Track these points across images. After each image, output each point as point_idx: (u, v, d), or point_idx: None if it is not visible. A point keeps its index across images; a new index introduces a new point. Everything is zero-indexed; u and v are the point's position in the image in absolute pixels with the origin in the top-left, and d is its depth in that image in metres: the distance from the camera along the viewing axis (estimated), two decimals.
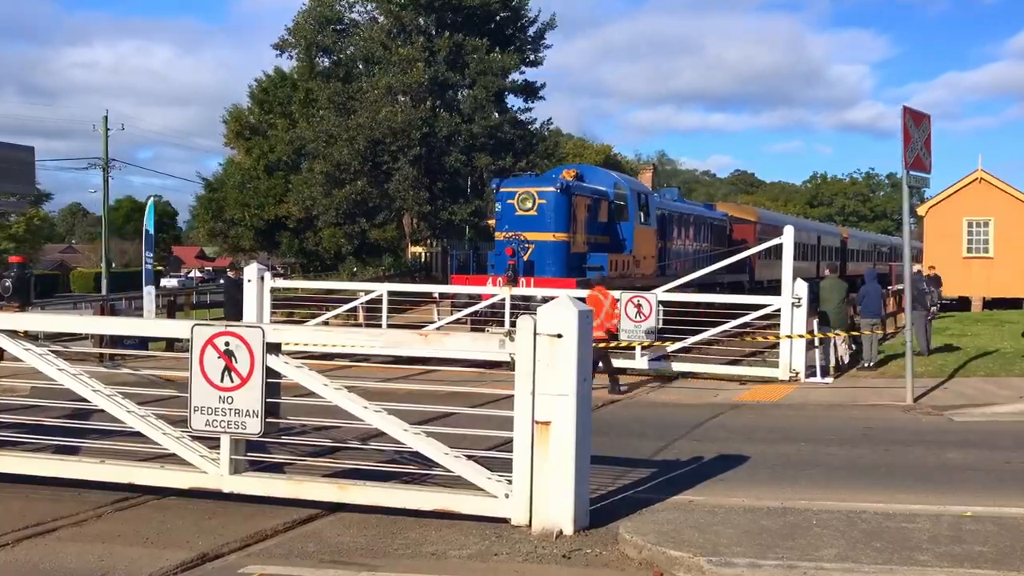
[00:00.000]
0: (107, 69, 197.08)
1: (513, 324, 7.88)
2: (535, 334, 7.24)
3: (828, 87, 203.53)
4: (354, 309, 22.05)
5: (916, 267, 21.61)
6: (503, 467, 7.46)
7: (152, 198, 25.73)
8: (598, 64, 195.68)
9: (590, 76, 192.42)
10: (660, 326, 17.35)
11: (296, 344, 11.11)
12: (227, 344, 7.73)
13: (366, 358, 17.99)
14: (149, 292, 21.96)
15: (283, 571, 6.61)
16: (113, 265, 65.74)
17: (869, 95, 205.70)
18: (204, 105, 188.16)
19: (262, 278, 19.02)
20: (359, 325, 21.00)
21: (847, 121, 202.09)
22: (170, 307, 27.25)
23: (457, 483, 7.66)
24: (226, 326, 7.93)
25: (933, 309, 19.67)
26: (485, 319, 19.54)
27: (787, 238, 17.38)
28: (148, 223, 22.42)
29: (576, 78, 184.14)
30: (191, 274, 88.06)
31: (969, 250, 35.68)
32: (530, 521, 7.31)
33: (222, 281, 28.35)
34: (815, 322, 17.39)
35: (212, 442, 8.00)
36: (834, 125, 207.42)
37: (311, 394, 8.00)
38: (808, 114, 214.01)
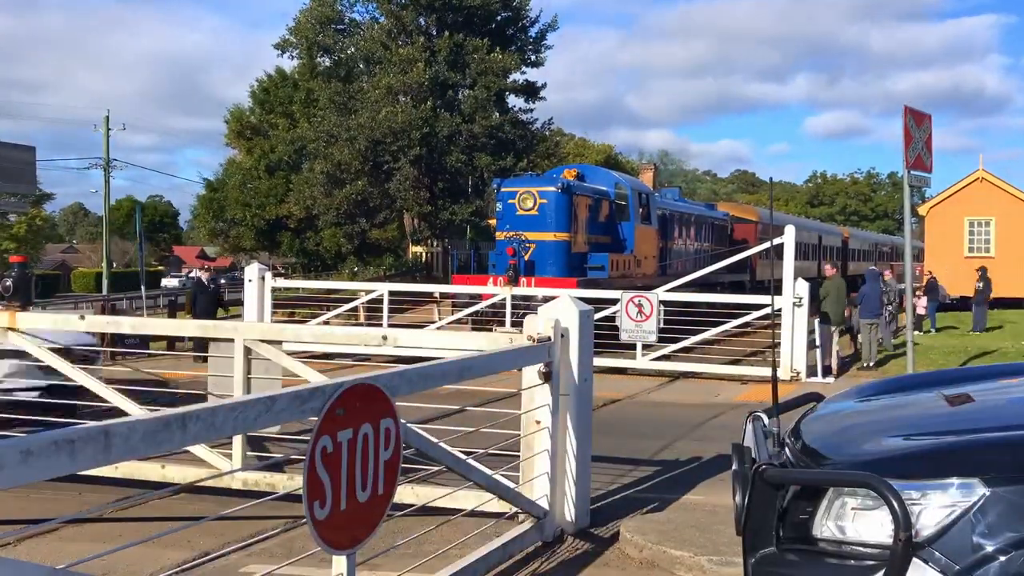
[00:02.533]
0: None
1: (514, 324, 7.89)
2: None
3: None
4: (355, 309, 22.08)
5: (887, 273, 21.66)
6: (503, 466, 7.44)
7: (135, 202, 25.46)
8: (632, 9, 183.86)
9: (625, 37, 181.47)
10: (661, 326, 17.36)
11: (297, 344, 11.13)
12: None
13: (366, 358, 17.99)
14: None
15: (284, 570, 6.60)
16: (114, 265, 65.78)
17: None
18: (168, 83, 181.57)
19: (263, 278, 19.04)
20: (360, 325, 21.01)
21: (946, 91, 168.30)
22: (171, 308, 27.33)
23: (457, 482, 7.64)
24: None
25: (890, 308, 19.70)
26: (486, 319, 19.54)
27: (788, 238, 17.39)
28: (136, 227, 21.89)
29: (612, 40, 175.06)
30: (192, 274, 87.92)
31: (970, 250, 35.69)
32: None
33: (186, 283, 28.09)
34: (816, 321, 17.40)
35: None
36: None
37: None
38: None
